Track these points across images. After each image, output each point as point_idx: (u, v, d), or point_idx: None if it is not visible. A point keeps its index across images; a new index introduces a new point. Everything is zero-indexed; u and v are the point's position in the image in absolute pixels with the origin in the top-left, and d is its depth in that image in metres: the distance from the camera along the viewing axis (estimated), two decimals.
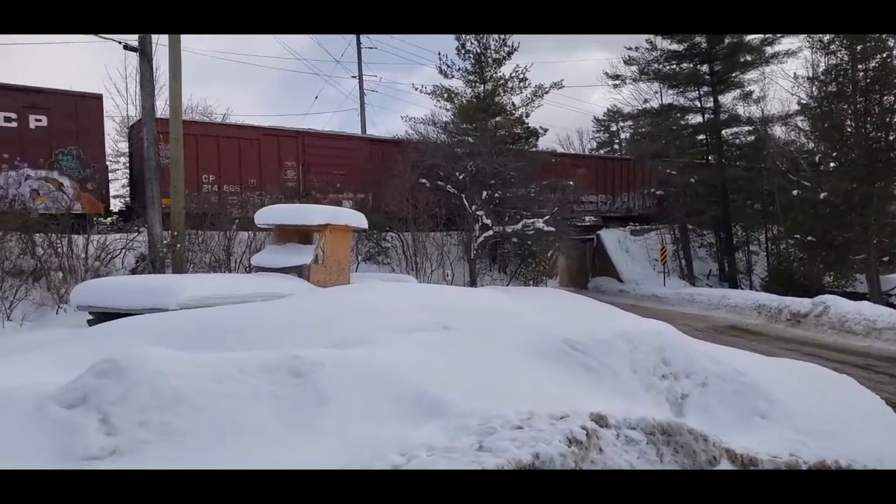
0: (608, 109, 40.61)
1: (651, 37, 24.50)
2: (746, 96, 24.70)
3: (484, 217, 16.35)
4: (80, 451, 2.43)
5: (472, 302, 6.60)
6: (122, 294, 8.64)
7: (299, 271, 10.45)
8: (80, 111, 13.87)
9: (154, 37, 12.01)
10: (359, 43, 26.13)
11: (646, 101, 26.01)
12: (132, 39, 11.94)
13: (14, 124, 13.08)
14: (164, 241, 12.12)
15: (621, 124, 39.95)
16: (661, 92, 25.61)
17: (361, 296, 6.27)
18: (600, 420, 3.48)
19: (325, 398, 3.11)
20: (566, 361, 4.42)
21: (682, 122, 26.03)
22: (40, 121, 13.43)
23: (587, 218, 23.36)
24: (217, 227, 13.51)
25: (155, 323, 6.05)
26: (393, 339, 4.13)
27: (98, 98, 14.47)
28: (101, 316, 8.61)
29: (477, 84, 20.22)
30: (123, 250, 12.59)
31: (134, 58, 13.07)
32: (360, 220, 11.55)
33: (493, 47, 19.79)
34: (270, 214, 11.06)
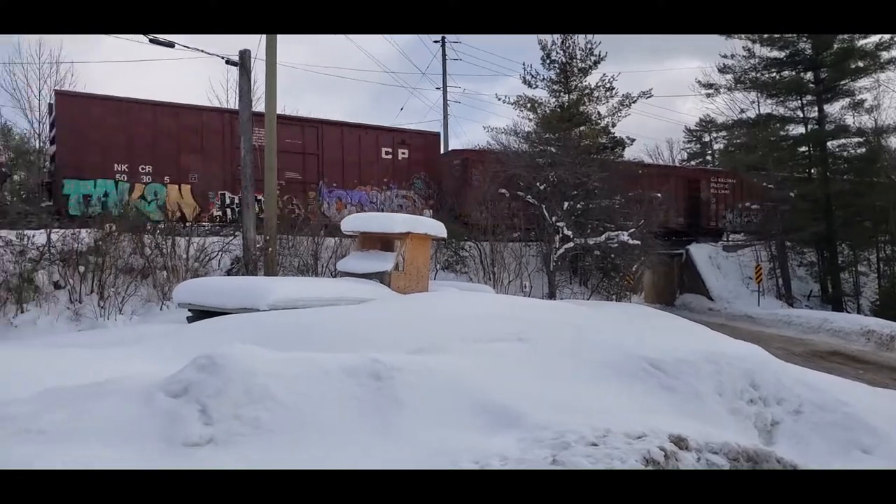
0: (700, 119, 39.15)
1: (748, 44, 23.39)
2: (857, 105, 23.03)
3: (565, 228, 16.12)
4: (181, 438, 2.65)
5: (550, 314, 6.56)
6: (217, 294, 9.17)
7: (381, 277, 10.69)
8: (427, 145, 18.77)
9: (252, 51, 12.74)
10: (444, 55, 26.62)
11: (742, 110, 24.83)
12: (233, 55, 12.75)
13: (390, 157, 18.04)
14: (257, 245, 12.79)
15: (714, 135, 38.33)
16: (758, 101, 24.38)
17: (440, 303, 6.38)
18: (680, 442, 3.38)
19: (402, 403, 3.20)
20: (645, 380, 4.31)
21: (782, 133, 24.61)
22: (405, 153, 18.27)
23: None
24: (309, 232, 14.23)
25: (247, 322, 6.41)
26: (470, 348, 4.18)
27: (437, 135, 19.84)
28: (199, 313, 9.20)
29: (561, 94, 20.03)
30: (220, 252, 13.37)
31: (234, 71, 14.28)
32: (439, 229, 11.70)
33: (579, 56, 19.58)
34: (355, 222, 11.42)
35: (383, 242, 11.41)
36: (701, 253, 23.13)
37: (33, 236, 11.82)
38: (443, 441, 2.98)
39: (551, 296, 16.06)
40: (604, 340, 4.82)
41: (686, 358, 4.64)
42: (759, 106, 24.46)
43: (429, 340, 4.49)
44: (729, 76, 24.46)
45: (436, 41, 27.32)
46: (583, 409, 3.59)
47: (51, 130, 15.78)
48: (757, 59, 23.66)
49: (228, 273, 13.11)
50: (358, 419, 3.04)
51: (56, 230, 12.00)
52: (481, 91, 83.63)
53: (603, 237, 16.22)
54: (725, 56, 24.35)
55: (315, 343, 4.79)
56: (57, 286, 11.92)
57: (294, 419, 2.90)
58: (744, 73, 24.06)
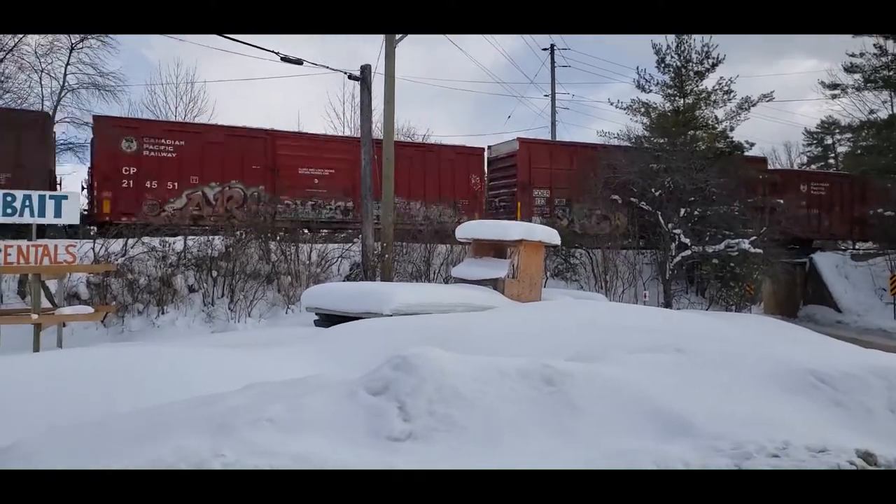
0: (822, 121, 36.70)
1: (881, 41, 21.69)
2: None
3: (681, 236, 15.59)
4: (385, 433, 2.85)
5: (686, 324, 6.39)
6: (342, 299, 9.59)
7: (494, 284, 10.78)
8: None
9: (372, 67, 13.28)
10: (553, 62, 26.52)
11: (871, 111, 23.06)
12: (354, 70, 13.35)
13: None
14: (375, 252, 13.28)
15: (838, 137, 35.80)
16: (891, 101, 22.54)
17: (579, 313, 6.36)
18: (868, 457, 3.21)
19: (576, 407, 3.26)
20: (813, 395, 4.11)
21: None
22: None
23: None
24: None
25: (381, 327, 6.68)
26: (627, 358, 4.17)
27: None
28: (325, 317, 9.67)
29: (676, 98, 19.39)
30: (340, 258, 13.99)
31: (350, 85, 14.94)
32: (552, 236, 11.64)
33: (694, 60, 18.90)
34: (470, 229, 11.60)
35: (497, 250, 11.50)
36: (827, 262, 21.61)
37: (173, 242, 12.85)
38: (620, 445, 3.00)
39: (667, 305, 15.56)
40: (763, 353, 4.65)
41: (853, 372, 4.39)
42: (892, 105, 22.64)
43: (585, 349, 4.52)
44: (857, 76, 22.81)
45: (545, 49, 27.25)
46: (753, 421, 3.49)
47: None
48: (890, 57, 21.92)
49: (347, 278, 13.68)
50: (537, 421, 3.13)
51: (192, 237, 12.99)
52: (589, 96, 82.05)
53: (722, 245, 15.54)
54: (853, 55, 22.73)
55: (455, 349, 4.91)
56: (192, 290, 12.90)
57: (481, 417, 3.02)
58: (874, 72, 22.36)
